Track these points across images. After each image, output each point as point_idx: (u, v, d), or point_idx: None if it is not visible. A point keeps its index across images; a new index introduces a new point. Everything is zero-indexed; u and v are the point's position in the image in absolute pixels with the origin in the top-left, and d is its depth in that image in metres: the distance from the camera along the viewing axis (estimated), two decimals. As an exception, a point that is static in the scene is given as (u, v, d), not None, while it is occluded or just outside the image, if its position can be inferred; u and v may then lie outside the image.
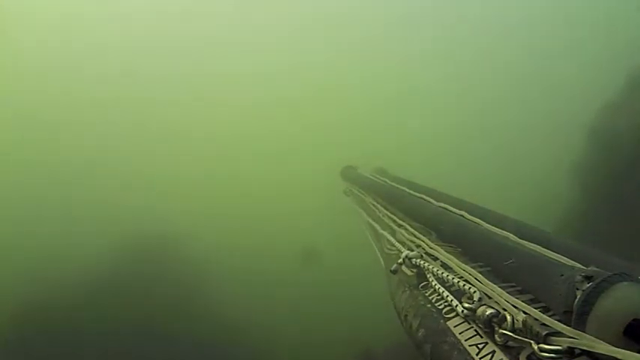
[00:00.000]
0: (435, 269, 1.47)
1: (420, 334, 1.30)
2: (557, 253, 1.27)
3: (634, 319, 0.80)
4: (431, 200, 2.19)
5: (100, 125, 6.14)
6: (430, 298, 1.42)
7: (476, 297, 1.18)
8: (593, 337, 0.82)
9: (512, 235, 1.50)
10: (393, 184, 2.83)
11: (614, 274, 0.88)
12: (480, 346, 1.08)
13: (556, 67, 6.29)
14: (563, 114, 5.92)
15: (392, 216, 2.27)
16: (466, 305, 1.17)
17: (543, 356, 0.91)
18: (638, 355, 0.75)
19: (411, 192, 2.46)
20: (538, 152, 5.99)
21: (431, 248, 1.63)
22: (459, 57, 6.69)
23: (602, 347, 0.79)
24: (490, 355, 1.04)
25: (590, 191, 5.03)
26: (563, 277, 0.98)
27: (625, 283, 0.86)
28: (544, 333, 0.93)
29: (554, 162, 5.58)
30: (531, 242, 1.40)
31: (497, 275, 1.28)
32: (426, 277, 1.51)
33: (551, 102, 6.26)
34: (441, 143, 6.49)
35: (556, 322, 0.92)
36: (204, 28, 6.40)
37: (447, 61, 6.69)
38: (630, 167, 4.48)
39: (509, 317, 1.04)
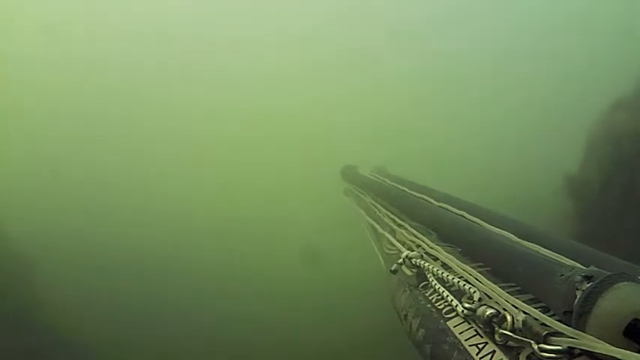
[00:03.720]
0: (435, 269, 1.47)
1: (420, 334, 1.30)
2: (557, 253, 1.27)
3: (634, 319, 0.80)
4: (431, 200, 2.19)
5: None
6: (430, 298, 1.42)
7: (476, 297, 1.18)
8: (593, 337, 0.82)
9: (512, 235, 1.50)
10: (393, 184, 2.83)
11: (614, 274, 0.88)
12: (480, 346, 1.08)
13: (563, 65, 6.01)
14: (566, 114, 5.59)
15: (392, 216, 2.28)
16: (466, 305, 1.17)
17: (543, 356, 0.91)
18: (638, 355, 0.75)
19: (411, 192, 2.46)
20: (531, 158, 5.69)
21: (431, 248, 1.64)
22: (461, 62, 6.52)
23: (602, 347, 0.79)
24: (490, 355, 1.04)
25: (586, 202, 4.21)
26: (563, 277, 0.98)
27: (625, 283, 0.86)
28: (544, 333, 0.93)
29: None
30: (531, 242, 1.40)
31: (497, 275, 1.28)
32: (426, 277, 1.51)
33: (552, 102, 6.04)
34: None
35: (556, 322, 0.92)
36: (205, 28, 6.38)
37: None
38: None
39: (509, 317, 1.04)
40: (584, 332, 0.85)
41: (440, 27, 6.38)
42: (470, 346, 1.10)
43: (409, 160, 5.30)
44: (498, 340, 1.04)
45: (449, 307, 1.28)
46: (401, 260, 1.65)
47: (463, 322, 1.19)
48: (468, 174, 5.70)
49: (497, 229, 1.58)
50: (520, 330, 1.00)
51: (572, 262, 1.18)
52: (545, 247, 1.34)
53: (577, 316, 0.87)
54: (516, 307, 1.04)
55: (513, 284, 1.20)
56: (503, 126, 6.17)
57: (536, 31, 6.36)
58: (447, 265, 1.46)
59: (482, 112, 6.39)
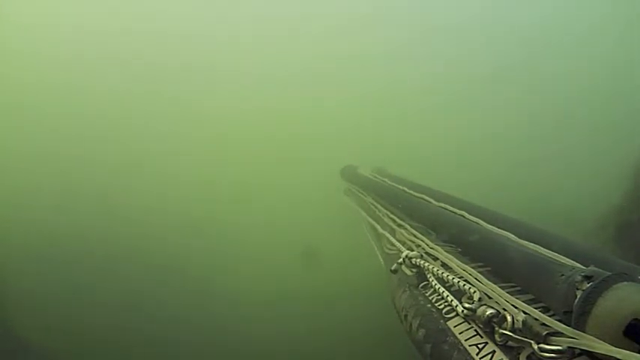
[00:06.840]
0: (435, 269, 1.47)
1: (420, 333, 1.30)
2: (557, 253, 1.27)
3: (634, 319, 0.80)
4: (431, 200, 2.19)
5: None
6: (430, 298, 1.42)
7: (476, 297, 1.18)
8: (593, 337, 0.82)
9: (512, 235, 1.50)
10: (393, 184, 2.83)
11: (614, 274, 0.88)
12: (480, 346, 1.08)
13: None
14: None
15: (392, 216, 2.28)
16: (466, 305, 1.18)
17: (543, 356, 0.91)
18: (638, 355, 0.75)
19: (411, 192, 2.46)
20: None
21: (431, 248, 1.64)
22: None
23: (602, 347, 0.79)
24: (490, 355, 1.04)
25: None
26: (563, 277, 0.98)
27: (625, 283, 0.86)
28: (544, 333, 0.93)
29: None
30: (531, 242, 1.40)
31: (497, 275, 1.28)
32: (426, 277, 1.51)
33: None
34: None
35: (556, 322, 0.92)
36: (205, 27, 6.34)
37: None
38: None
39: (509, 317, 1.04)
40: (584, 332, 0.85)
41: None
42: (470, 346, 1.10)
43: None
44: (498, 340, 1.04)
45: (449, 307, 1.28)
46: (401, 260, 1.66)
47: (463, 322, 1.19)
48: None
49: (497, 229, 1.58)
50: (520, 330, 1.00)
51: (572, 262, 1.18)
52: (545, 247, 1.34)
53: (577, 316, 0.87)
54: (516, 307, 1.04)
55: (513, 284, 1.20)
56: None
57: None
58: (447, 265, 1.46)
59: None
